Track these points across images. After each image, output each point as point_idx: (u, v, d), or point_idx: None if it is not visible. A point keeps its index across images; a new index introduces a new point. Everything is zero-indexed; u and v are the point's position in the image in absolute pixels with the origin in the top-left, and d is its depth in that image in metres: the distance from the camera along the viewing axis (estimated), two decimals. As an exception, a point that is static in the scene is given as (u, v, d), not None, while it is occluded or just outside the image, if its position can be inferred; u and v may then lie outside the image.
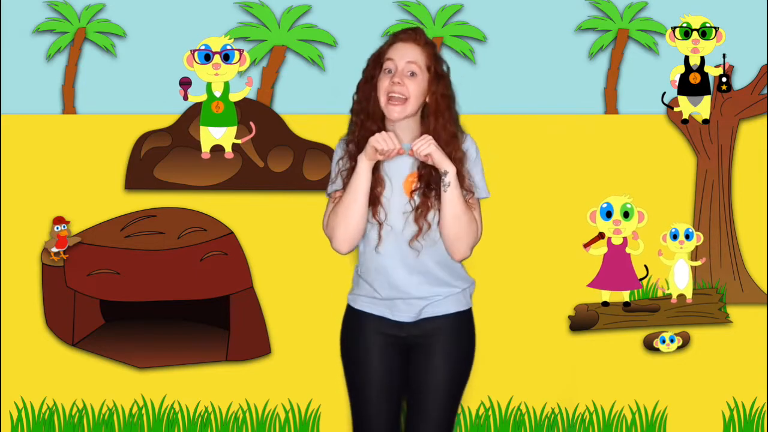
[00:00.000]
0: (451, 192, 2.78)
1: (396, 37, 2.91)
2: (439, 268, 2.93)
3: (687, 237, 3.90)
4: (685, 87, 3.99)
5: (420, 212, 2.83)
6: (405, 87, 2.82)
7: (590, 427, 3.97)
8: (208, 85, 3.93)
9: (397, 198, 2.87)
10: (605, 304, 3.91)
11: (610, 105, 4.07)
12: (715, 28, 3.96)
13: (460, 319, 2.99)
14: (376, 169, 2.86)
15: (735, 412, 3.97)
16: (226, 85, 3.93)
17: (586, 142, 4.01)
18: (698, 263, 3.94)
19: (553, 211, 3.98)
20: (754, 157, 4.04)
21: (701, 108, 3.98)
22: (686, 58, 3.99)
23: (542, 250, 3.97)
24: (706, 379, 3.99)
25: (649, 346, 3.97)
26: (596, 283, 3.91)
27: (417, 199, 2.85)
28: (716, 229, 4.01)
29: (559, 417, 3.96)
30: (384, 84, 2.84)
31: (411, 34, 2.89)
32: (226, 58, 3.91)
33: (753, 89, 4.01)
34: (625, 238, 3.89)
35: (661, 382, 3.98)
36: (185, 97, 3.90)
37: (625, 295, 3.92)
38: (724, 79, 3.97)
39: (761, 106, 4.01)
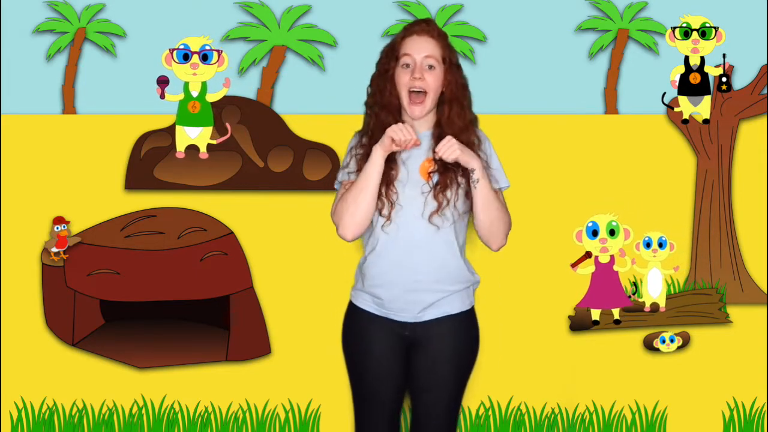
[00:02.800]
0: (480, 186, 2.83)
1: (410, 30, 2.96)
2: (450, 258, 2.93)
3: (660, 245, 3.89)
4: (685, 87, 3.99)
5: (439, 189, 2.87)
6: (425, 81, 2.89)
7: (590, 427, 3.97)
8: (186, 84, 3.93)
9: (413, 182, 2.90)
10: (595, 323, 3.91)
11: (610, 105, 4.07)
12: (714, 27, 3.96)
13: (462, 319, 3.00)
14: (392, 156, 2.89)
15: (735, 412, 3.97)
16: (204, 85, 3.93)
17: (586, 142, 4.01)
18: (671, 271, 3.93)
19: (554, 211, 3.98)
20: (754, 157, 4.04)
21: (701, 108, 3.98)
22: (686, 58, 3.99)
23: (543, 250, 3.97)
24: (706, 379, 3.99)
25: (649, 346, 3.97)
26: (585, 303, 3.91)
27: (435, 178, 2.89)
28: (716, 229, 4.01)
29: (559, 417, 3.96)
30: (404, 79, 2.90)
31: (425, 27, 2.95)
32: (205, 58, 3.91)
33: (753, 89, 4.01)
34: (612, 256, 3.89)
35: (661, 382, 3.98)
36: (162, 96, 3.90)
37: (615, 313, 3.92)
38: (724, 79, 3.97)
39: (761, 106, 4.01)
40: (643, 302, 3.93)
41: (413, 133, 2.83)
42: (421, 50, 2.91)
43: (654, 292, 3.91)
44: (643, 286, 3.91)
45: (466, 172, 2.89)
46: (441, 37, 2.97)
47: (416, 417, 3.01)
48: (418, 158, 2.95)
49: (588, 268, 3.89)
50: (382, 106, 2.94)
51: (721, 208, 4.01)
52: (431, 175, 2.91)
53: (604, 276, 3.90)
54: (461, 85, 2.98)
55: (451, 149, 2.81)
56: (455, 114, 2.93)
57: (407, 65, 2.91)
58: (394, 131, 2.81)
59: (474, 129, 2.97)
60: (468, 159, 2.83)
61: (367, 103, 3.00)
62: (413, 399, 3.01)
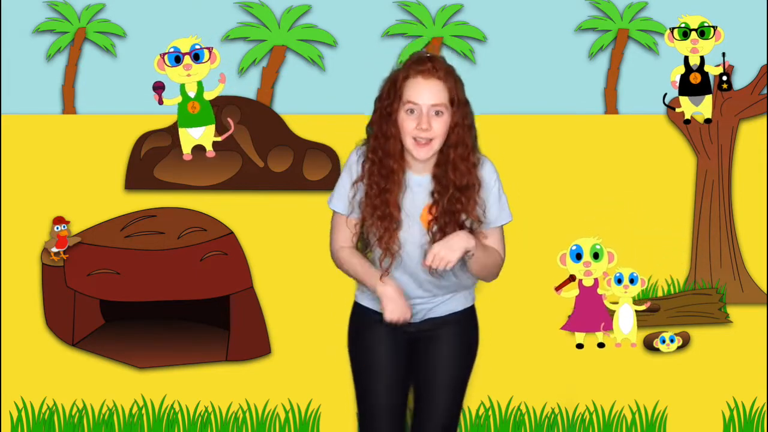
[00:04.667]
0: (476, 257, 2.78)
1: (414, 69, 2.73)
2: (452, 278, 2.93)
3: (632, 281, 3.87)
4: (685, 87, 3.98)
5: (438, 239, 2.80)
6: (432, 130, 2.71)
7: (590, 427, 3.97)
8: (182, 86, 3.90)
9: (415, 230, 2.85)
10: (579, 346, 3.90)
11: (610, 105, 4.07)
12: (713, 27, 3.95)
13: (464, 317, 3.00)
14: (396, 204, 2.81)
15: (735, 412, 3.97)
16: (200, 84, 3.90)
17: (586, 142, 4.01)
18: (642, 308, 3.91)
19: (554, 211, 3.97)
20: (754, 157, 4.04)
21: (703, 108, 3.98)
22: (686, 59, 3.98)
23: (544, 250, 3.97)
24: (706, 379, 3.99)
25: (649, 346, 3.96)
26: (569, 326, 3.89)
27: (435, 228, 2.82)
28: (716, 229, 4.01)
29: (559, 417, 3.96)
30: (408, 126, 2.72)
31: (430, 68, 2.71)
32: (196, 57, 3.88)
33: (753, 89, 4.01)
34: (596, 279, 3.87)
35: (661, 382, 3.98)
36: (160, 102, 3.86)
37: (599, 336, 3.91)
38: (724, 78, 3.96)
39: (761, 106, 4.01)
40: (614, 338, 3.92)
41: (407, 311, 2.79)
42: (428, 98, 2.71)
43: (625, 328, 3.89)
44: (615, 323, 3.89)
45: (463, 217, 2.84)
46: (448, 76, 2.73)
47: (419, 416, 3.01)
48: (419, 199, 2.87)
49: (572, 292, 3.87)
50: (386, 153, 2.83)
51: (721, 208, 4.01)
52: (431, 223, 2.85)
53: (588, 299, 3.87)
54: (467, 126, 2.84)
55: (443, 261, 2.72)
56: (459, 158, 2.79)
57: (412, 111, 2.72)
58: (392, 312, 2.77)
59: (475, 172, 2.86)
60: (461, 249, 2.76)
61: (369, 147, 2.89)
62: (416, 398, 3.01)
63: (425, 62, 2.70)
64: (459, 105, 2.74)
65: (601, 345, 3.87)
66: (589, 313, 3.85)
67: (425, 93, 2.70)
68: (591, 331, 3.86)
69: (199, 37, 3.91)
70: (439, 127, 2.71)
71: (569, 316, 3.87)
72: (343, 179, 2.88)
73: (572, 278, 3.82)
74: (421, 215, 2.80)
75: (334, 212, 2.96)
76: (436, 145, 2.74)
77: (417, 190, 2.81)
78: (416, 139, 2.71)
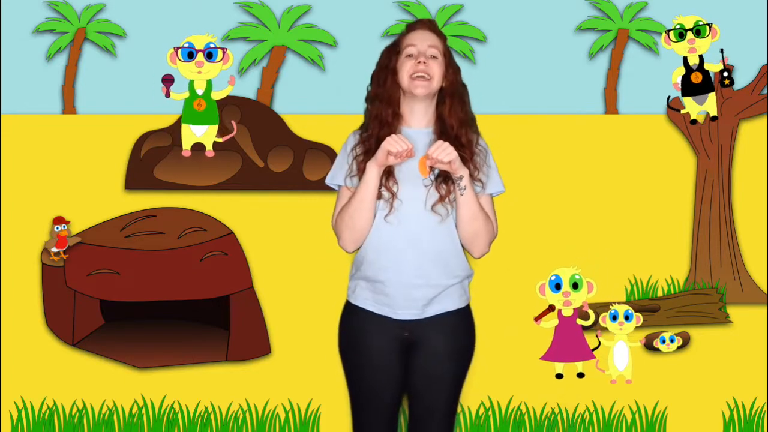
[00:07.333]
0: (467, 194, 2.83)
1: (412, 26, 3.00)
2: (451, 248, 2.92)
3: (626, 318, 3.87)
4: (688, 88, 3.98)
5: (441, 180, 2.87)
6: (429, 67, 2.90)
7: (590, 427, 3.97)
8: (191, 82, 3.92)
9: (411, 179, 2.89)
10: (559, 376, 3.90)
11: (610, 105, 4.07)
12: (708, 25, 3.94)
13: (460, 316, 2.99)
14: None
15: (735, 412, 3.97)
16: (209, 83, 3.92)
17: (586, 142, 4.01)
18: (637, 344, 3.91)
19: (553, 210, 3.98)
20: (754, 157, 4.04)
21: (707, 106, 3.97)
22: (685, 59, 3.99)
23: (543, 249, 3.97)
24: (706, 379, 3.99)
25: (649, 346, 3.97)
26: (549, 356, 3.89)
27: (436, 171, 2.88)
28: (716, 229, 4.01)
29: (559, 417, 3.96)
30: (406, 67, 2.91)
31: (427, 24, 3.00)
32: (210, 56, 3.90)
33: (753, 89, 4.02)
34: (575, 309, 3.87)
35: (661, 382, 3.98)
36: (167, 94, 3.89)
37: (578, 366, 3.91)
38: (725, 74, 3.96)
39: (761, 106, 4.01)
40: (609, 374, 3.92)
41: (408, 142, 2.82)
42: (425, 40, 2.93)
43: (620, 365, 3.90)
44: (610, 359, 3.90)
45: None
46: (442, 36, 3.00)
47: (415, 417, 3.01)
48: (416, 155, 2.94)
49: (551, 322, 3.87)
50: (382, 99, 2.94)
51: (721, 208, 4.01)
52: (432, 169, 2.90)
53: (568, 329, 3.87)
54: (462, 84, 2.99)
55: (446, 151, 2.80)
56: (458, 106, 2.94)
57: (410, 55, 2.92)
58: (390, 143, 2.81)
59: (469, 127, 2.97)
60: (459, 165, 2.83)
61: (367, 98, 3.00)
62: (412, 399, 3.01)
63: (423, 21, 3.02)
64: (451, 62, 2.98)
65: (580, 375, 3.88)
66: (569, 344, 3.86)
67: (421, 36, 2.94)
68: (570, 361, 3.87)
69: (215, 36, 3.92)
70: (435, 69, 2.91)
71: (549, 347, 3.88)
72: (338, 157, 2.99)
73: (551, 308, 3.83)
74: (419, 163, 2.86)
75: (337, 190, 3.01)
76: (434, 85, 2.91)
77: (414, 142, 2.88)
78: (414, 76, 2.89)
